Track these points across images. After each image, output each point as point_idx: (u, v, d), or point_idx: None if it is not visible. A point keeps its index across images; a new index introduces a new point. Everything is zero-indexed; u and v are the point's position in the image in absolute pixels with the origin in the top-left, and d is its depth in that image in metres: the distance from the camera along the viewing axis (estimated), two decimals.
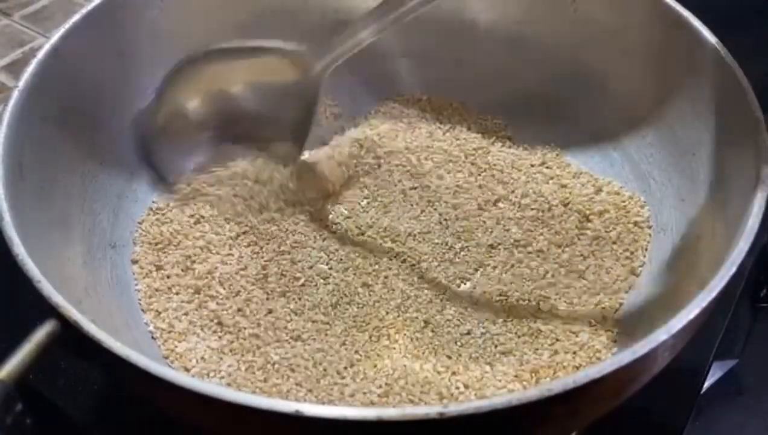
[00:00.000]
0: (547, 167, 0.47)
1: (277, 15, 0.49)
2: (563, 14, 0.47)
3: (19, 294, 0.29)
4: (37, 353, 0.27)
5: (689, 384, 0.39)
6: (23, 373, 0.27)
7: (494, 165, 0.48)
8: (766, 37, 0.56)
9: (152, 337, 0.38)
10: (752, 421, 0.41)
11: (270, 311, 0.40)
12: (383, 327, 0.39)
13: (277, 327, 0.39)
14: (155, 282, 0.41)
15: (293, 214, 0.45)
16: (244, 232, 0.44)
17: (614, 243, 0.43)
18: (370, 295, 0.41)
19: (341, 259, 0.43)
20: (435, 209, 0.45)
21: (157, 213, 0.44)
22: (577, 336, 0.38)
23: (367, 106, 0.52)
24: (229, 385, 0.36)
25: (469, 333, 0.39)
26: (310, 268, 0.42)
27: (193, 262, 0.42)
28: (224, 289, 0.40)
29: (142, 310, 0.39)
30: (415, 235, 0.44)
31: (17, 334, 0.27)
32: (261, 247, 0.43)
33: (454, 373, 0.37)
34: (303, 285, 0.41)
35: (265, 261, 0.42)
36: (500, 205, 0.45)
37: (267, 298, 0.40)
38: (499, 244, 0.43)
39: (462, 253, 0.43)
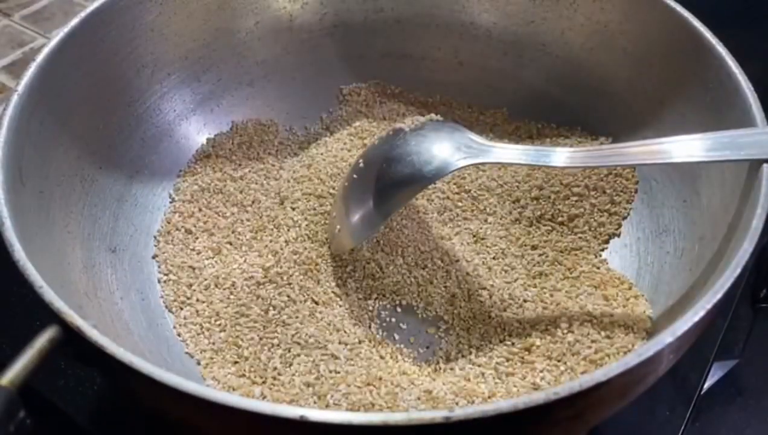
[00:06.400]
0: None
1: (277, 17, 0.50)
2: (563, 15, 0.47)
3: (19, 299, 0.29)
4: (39, 359, 0.27)
5: (689, 384, 0.39)
6: (26, 380, 0.26)
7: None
8: (766, 37, 0.56)
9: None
10: (752, 421, 0.41)
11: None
12: None
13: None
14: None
15: None
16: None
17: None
18: None
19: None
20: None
21: None
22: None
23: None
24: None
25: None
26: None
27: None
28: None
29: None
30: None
31: (18, 339, 0.27)
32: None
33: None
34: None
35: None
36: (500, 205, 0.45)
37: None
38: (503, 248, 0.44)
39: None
